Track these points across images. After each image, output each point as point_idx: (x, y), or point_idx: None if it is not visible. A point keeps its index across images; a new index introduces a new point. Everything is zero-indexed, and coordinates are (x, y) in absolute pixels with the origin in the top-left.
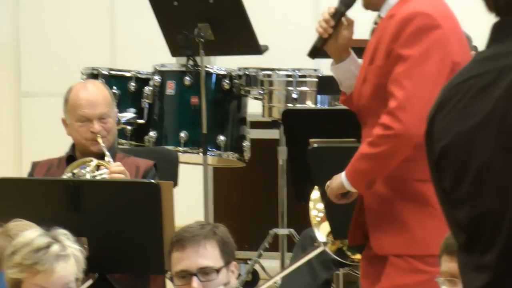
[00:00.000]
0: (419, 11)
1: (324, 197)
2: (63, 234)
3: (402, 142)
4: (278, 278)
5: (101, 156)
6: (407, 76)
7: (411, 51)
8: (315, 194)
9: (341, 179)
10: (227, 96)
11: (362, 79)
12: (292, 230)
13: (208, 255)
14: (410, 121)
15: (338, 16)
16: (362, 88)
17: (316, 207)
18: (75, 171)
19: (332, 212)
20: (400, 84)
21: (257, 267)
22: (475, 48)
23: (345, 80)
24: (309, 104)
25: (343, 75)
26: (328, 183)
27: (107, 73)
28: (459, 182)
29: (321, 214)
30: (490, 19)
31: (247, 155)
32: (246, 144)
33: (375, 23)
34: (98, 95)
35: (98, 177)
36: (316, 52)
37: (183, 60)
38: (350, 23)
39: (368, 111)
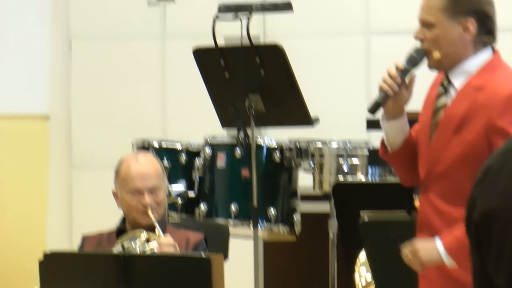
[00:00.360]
0: None
1: (373, 269)
2: None
3: None
4: None
5: (151, 228)
6: None
7: None
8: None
9: (437, 251)
10: (278, 169)
11: (442, 146)
12: None
13: None
14: None
15: (404, 74)
16: (441, 154)
17: (359, 271)
18: (125, 244)
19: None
20: None
21: None
22: None
23: (393, 137)
24: (360, 177)
25: (393, 131)
26: (407, 251)
27: (158, 145)
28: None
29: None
30: None
31: (297, 228)
32: (297, 217)
33: (442, 85)
34: (149, 167)
35: (148, 250)
36: (378, 108)
37: (234, 132)
38: (411, 83)
39: (442, 178)
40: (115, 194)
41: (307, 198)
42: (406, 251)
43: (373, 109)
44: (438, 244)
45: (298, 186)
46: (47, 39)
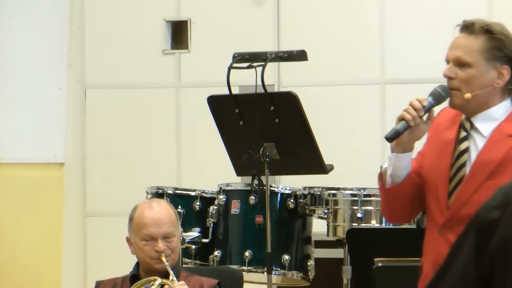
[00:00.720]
0: None
1: None
2: None
3: None
4: None
5: (165, 275)
6: None
7: None
8: None
9: None
10: (292, 216)
11: (473, 190)
12: None
13: None
14: None
15: (427, 109)
16: (470, 198)
17: None
18: None
19: None
20: None
21: None
22: None
23: (400, 170)
24: (374, 224)
25: (402, 165)
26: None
27: (172, 192)
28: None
29: None
30: None
31: (311, 274)
32: (311, 263)
33: (464, 128)
34: (163, 214)
35: None
36: (396, 137)
37: (248, 179)
38: (431, 118)
39: (467, 221)
40: (129, 241)
41: (321, 244)
42: None
43: (392, 138)
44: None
45: (312, 232)
46: (62, 88)
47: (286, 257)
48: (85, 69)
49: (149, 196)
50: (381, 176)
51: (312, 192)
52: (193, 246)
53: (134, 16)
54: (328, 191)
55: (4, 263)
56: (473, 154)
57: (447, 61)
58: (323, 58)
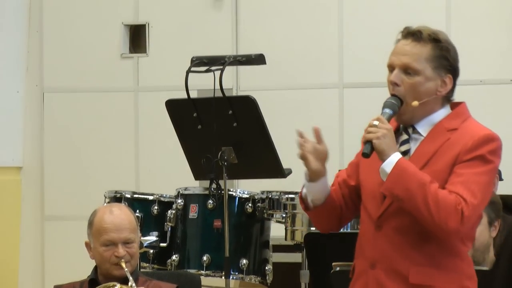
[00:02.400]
0: (496, 135)
1: None
2: None
3: (449, 224)
4: None
5: (124, 280)
6: (481, 190)
7: (488, 166)
8: None
9: (394, 152)
10: (250, 220)
11: None
12: None
13: None
14: (467, 225)
15: (388, 119)
16: None
17: None
18: None
19: None
20: (474, 193)
21: None
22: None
23: (319, 194)
24: None
25: (320, 189)
26: (379, 124)
27: (130, 196)
28: None
29: None
30: None
31: (269, 278)
32: (269, 267)
33: (406, 131)
34: (123, 219)
35: None
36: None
37: (206, 183)
38: (319, 136)
39: (401, 212)
40: (87, 245)
41: (279, 248)
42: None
43: (370, 153)
44: (397, 155)
45: (270, 237)
46: (20, 91)
47: (244, 261)
48: (43, 72)
49: (107, 200)
50: (303, 200)
51: (270, 196)
52: (151, 250)
53: (92, 20)
54: (286, 195)
55: None
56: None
57: (391, 67)
58: (282, 62)
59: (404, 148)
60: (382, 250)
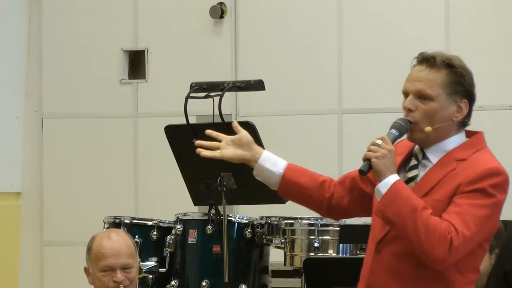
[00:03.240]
0: (503, 170)
1: None
2: None
3: (437, 253)
4: None
5: None
6: (476, 223)
7: (488, 200)
8: None
9: (391, 173)
10: (249, 245)
11: None
12: None
13: None
14: (455, 256)
15: (393, 141)
16: None
17: None
18: None
19: None
20: (467, 225)
21: None
22: None
23: (269, 178)
24: (331, 253)
25: (267, 174)
26: (382, 144)
27: (129, 222)
28: None
29: None
30: None
31: None
32: None
33: (416, 157)
34: (122, 244)
35: None
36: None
37: (205, 209)
38: (237, 127)
39: (399, 238)
40: (86, 271)
41: (278, 273)
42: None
43: (367, 170)
44: (395, 177)
45: (269, 262)
46: (19, 117)
47: (243, 286)
48: (43, 98)
49: (106, 225)
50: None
51: (269, 221)
52: (150, 276)
53: (91, 46)
54: (285, 221)
55: None
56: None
57: (406, 93)
58: (281, 87)
59: (411, 174)
60: (379, 275)
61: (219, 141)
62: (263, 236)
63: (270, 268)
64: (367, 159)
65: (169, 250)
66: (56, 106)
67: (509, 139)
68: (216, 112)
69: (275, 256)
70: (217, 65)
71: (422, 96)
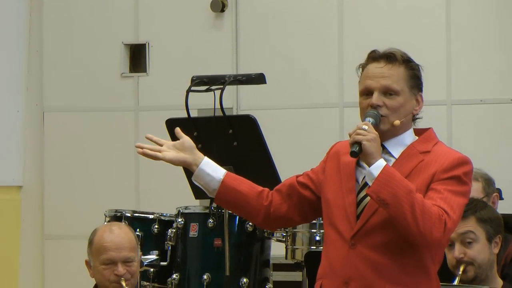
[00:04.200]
0: (470, 159)
1: None
2: None
3: (433, 235)
4: None
5: None
6: (458, 207)
7: (463, 187)
8: None
9: (379, 157)
10: (250, 239)
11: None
12: None
13: None
14: (447, 237)
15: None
16: (378, 208)
17: None
18: None
19: None
20: (453, 208)
21: None
22: (498, 190)
23: (209, 185)
24: None
25: (207, 179)
26: (368, 129)
27: (130, 215)
28: None
29: None
30: None
31: None
32: (269, 286)
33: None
34: (123, 238)
35: None
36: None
37: (206, 202)
38: (179, 133)
39: (375, 230)
40: (87, 264)
41: (279, 267)
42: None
43: (358, 152)
44: (383, 161)
45: (270, 255)
46: (20, 111)
47: (245, 280)
48: (43, 92)
49: (107, 219)
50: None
51: None
52: (152, 269)
53: (92, 39)
54: None
55: None
56: None
57: (367, 90)
58: (282, 81)
59: None
60: (357, 268)
61: (160, 145)
62: (264, 230)
63: (272, 261)
64: (356, 142)
65: (170, 243)
66: (57, 100)
67: (509, 132)
68: (217, 105)
69: (277, 250)
70: (218, 58)
71: (388, 92)
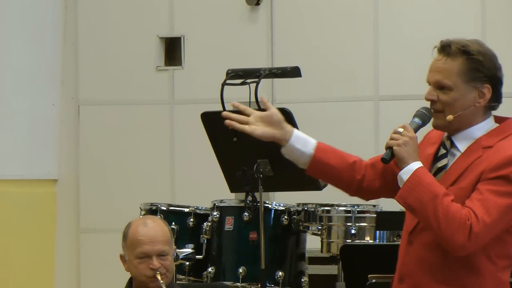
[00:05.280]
0: None
1: None
2: None
3: (458, 239)
4: None
5: None
6: (497, 210)
7: (510, 188)
8: None
9: (413, 160)
10: (286, 232)
11: None
12: None
13: None
14: (475, 242)
15: (416, 130)
16: None
17: None
18: None
19: None
20: (488, 211)
21: None
22: None
23: (299, 157)
24: (368, 240)
25: (297, 153)
26: (403, 132)
27: (165, 208)
28: None
29: None
30: None
31: None
32: (305, 280)
33: (444, 146)
34: (158, 231)
35: None
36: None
37: (241, 196)
38: (265, 103)
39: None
40: (122, 258)
41: (315, 260)
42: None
43: (389, 159)
44: (417, 164)
45: (306, 249)
46: (55, 104)
47: (280, 273)
48: (79, 85)
49: (143, 212)
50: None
51: (305, 208)
52: (187, 263)
53: (127, 33)
54: (322, 208)
55: None
56: None
57: (428, 83)
58: (317, 74)
59: (441, 163)
60: (410, 265)
61: (247, 115)
62: (300, 223)
63: (307, 255)
64: (389, 147)
65: (205, 237)
66: (92, 93)
67: None
68: (253, 99)
69: (312, 243)
70: (253, 52)
71: (440, 86)
